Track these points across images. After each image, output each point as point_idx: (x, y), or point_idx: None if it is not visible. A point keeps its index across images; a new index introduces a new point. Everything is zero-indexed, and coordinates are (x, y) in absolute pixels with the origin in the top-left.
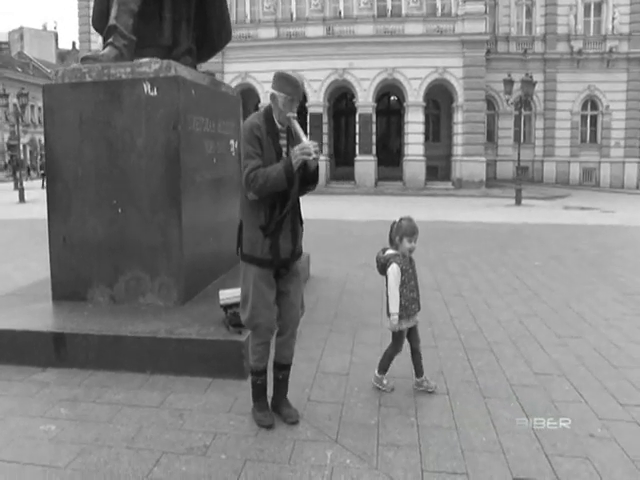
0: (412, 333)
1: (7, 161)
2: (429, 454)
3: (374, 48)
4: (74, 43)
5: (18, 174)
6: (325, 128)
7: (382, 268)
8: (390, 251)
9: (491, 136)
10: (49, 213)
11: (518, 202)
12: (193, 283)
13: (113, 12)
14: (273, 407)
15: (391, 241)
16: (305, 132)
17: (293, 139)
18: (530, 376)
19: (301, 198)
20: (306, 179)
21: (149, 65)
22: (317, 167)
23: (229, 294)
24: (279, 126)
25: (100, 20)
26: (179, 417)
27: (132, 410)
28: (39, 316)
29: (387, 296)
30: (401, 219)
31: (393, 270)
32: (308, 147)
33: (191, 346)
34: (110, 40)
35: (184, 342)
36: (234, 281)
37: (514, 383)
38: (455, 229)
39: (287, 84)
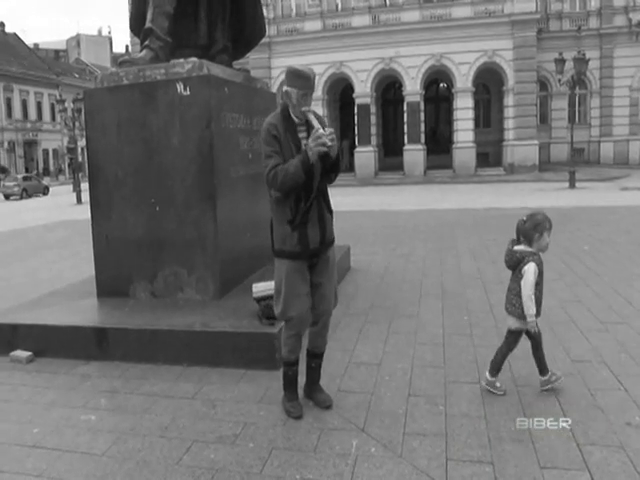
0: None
1: (67, 164)
2: (455, 443)
3: (421, 34)
4: (127, 47)
5: (76, 177)
6: (373, 119)
7: (515, 264)
8: (523, 247)
9: (544, 118)
10: (92, 213)
11: (572, 185)
12: (229, 277)
13: (149, 15)
14: (306, 394)
15: (523, 237)
16: (323, 123)
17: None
18: (567, 363)
19: (340, 190)
20: (328, 167)
21: (182, 65)
22: (338, 155)
23: (262, 287)
24: (296, 120)
25: (137, 23)
26: (212, 407)
27: (167, 401)
28: (83, 312)
29: (519, 296)
30: (534, 214)
31: (532, 270)
32: (322, 137)
33: (225, 339)
34: (146, 43)
35: (218, 335)
36: (271, 275)
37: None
38: (501, 215)
39: (298, 78)
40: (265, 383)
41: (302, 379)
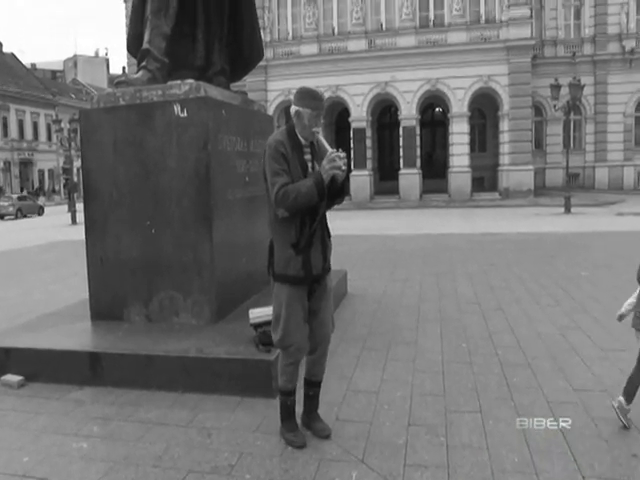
0: None
1: (62, 184)
2: (457, 475)
3: (417, 59)
4: (124, 68)
5: (72, 197)
6: (369, 142)
7: None
8: None
9: (539, 143)
10: (87, 234)
11: (567, 210)
12: (225, 302)
13: (146, 36)
14: (304, 423)
15: None
16: (332, 146)
17: (317, 153)
18: (569, 392)
19: (336, 213)
20: (333, 193)
21: (179, 87)
22: (344, 180)
23: (259, 313)
24: (303, 141)
25: (134, 44)
26: (207, 436)
27: (161, 429)
28: (77, 336)
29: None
30: None
31: None
32: (337, 160)
33: (221, 365)
34: (143, 64)
35: (214, 361)
36: (267, 300)
37: (552, 400)
38: (498, 240)
39: (312, 99)
40: (262, 411)
41: (299, 408)
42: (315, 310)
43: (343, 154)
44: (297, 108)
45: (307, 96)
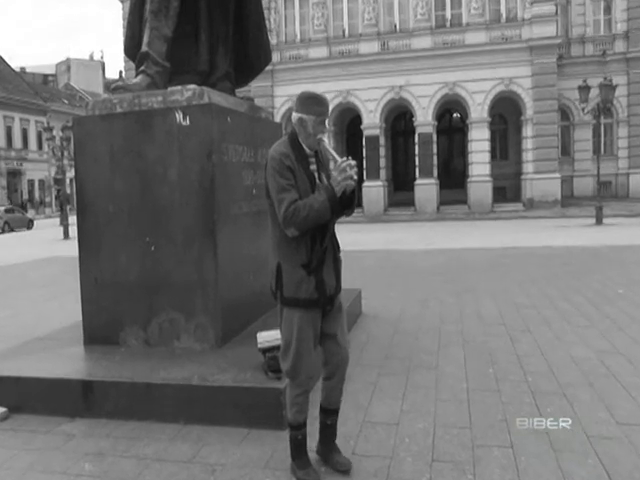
0: None
1: (54, 196)
2: None
3: (433, 62)
4: (121, 72)
5: (64, 209)
6: (382, 151)
7: None
8: None
9: (566, 150)
10: (80, 251)
11: (599, 221)
12: (232, 324)
13: (145, 38)
14: (320, 455)
15: None
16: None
17: (322, 163)
18: (612, 425)
19: (347, 227)
20: (343, 203)
21: (181, 93)
22: (354, 191)
23: (268, 336)
24: (307, 151)
25: (132, 46)
26: (211, 473)
27: (161, 465)
28: (68, 362)
29: None
30: None
31: None
32: (348, 170)
33: (226, 394)
34: (142, 68)
35: (219, 390)
36: (276, 322)
37: (592, 434)
38: (523, 255)
39: (315, 104)
40: (271, 444)
41: (312, 441)
42: (330, 333)
43: (353, 162)
44: (299, 115)
45: (310, 101)
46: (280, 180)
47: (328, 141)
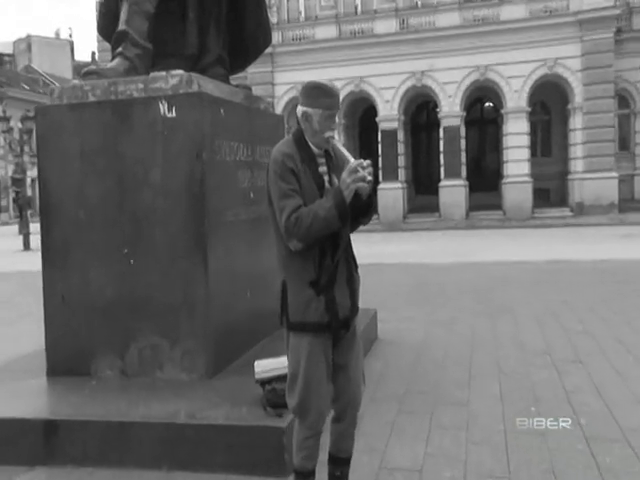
0: None
1: (12, 199)
2: None
3: (461, 42)
4: (93, 54)
5: (24, 215)
6: (401, 148)
7: None
8: None
9: (625, 144)
10: (44, 266)
11: None
12: (225, 350)
13: (123, 14)
14: None
15: None
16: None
17: (335, 165)
18: None
19: (361, 236)
20: (358, 210)
21: (166, 80)
22: (370, 195)
23: (268, 365)
24: (315, 150)
25: (107, 24)
26: None
27: None
28: (27, 398)
29: None
30: None
31: None
32: (360, 171)
33: (218, 434)
34: (119, 49)
35: (209, 429)
36: (278, 347)
37: None
38: (571, 270)
39: (322, 96)
40: None
41: None
42: (342, 365)
43: (367, 162)
44: (304, 109)
45: (316, 92)
46: (282, 185)
47: (338, 138)
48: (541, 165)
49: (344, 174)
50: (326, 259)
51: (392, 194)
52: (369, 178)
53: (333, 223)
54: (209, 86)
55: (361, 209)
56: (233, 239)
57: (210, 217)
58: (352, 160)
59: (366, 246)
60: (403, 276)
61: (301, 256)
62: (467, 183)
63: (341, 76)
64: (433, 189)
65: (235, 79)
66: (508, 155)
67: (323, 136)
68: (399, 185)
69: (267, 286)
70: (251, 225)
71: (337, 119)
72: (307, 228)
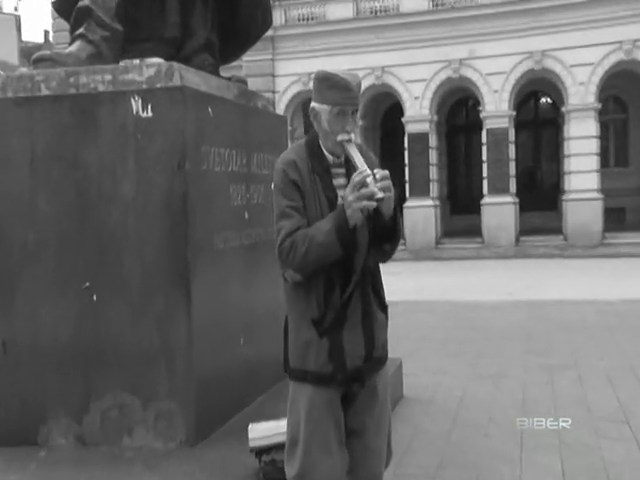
0: None
1: None
2: None
3: (510, 22)
4: (47, 34)
5: None
6: (433, 156)
7: None
8: None
9: None
10: None
11: None
12: (211, 411)
13: None
14: None
15: None
16: (371, 161)
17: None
18: None
19: (392, 269)
20: (379, 234)
21: (139, 70)
22: (396, 214)
23: (264, 430)
24: (330, 158)
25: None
26: None
27: None
28: None
29: None
30: None
31: None
32: (367, 184)
33: None
34: (81, 31)
35: None
36: (278, 407)
37: None
38: None
39: (331, 88)
40: None
41: None
42: (358, 430)
43: (382, 173)
44: (312, 104)
45: (324, 85)
46: (280, 201)
47: (358, 142)
48: (614, 177)
49: (347, 189)
50: (333, 293)
51: (422, 214)
52: (380, 195)
53: (332, 251)
54: (194, 79)
55: (383, 232)
56: (223, 270)
57: (195, 243)
58: (364, 169)
59: (388, 278)
60: (435, 317)
61: (305, 287)
62: (517, 200)
63: (359, 66)
64: (474, 208)
65: (227, 70)
66: (571, 165)
67: (335, 139)
68: (431, 202)
69: (266, 330)
70: (246, 253)
71: (356, 119)
72: (302, 255)
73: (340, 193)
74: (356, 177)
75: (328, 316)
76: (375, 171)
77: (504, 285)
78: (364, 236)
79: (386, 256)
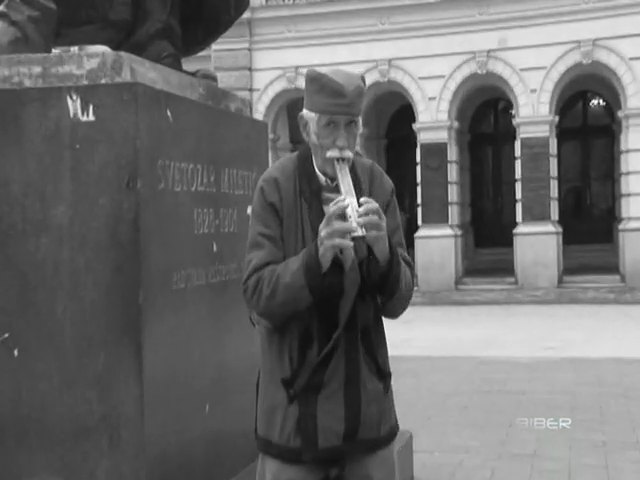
0: None
1: None
2: None
3: (550, 4)
4: None
5: None
6: (453, 172)
7: None
8: None
9: None
10: None
11: None
12: None
13: None
14: None
15: None
16: (358, 185)
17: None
18: None
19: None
20: (372, 282)
21: (78, 61)
22: (392, 257)
23: None
24: (323, 179)
25: None
26: None
27: None
28: None
29: None
30: None
31: None
32: (345, 218)
33: None
34: (1, 9)
35: None
36: None
37: None
38: None
39: (319, 92)
40: None
41: None
42: None
43: (368, 205)
44: (302, 111)
45: (314, 86)
46: (254, 227)
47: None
48: None
49: (322, 224)
50: (311, 349)
51: (438, 246)
52: (358, 232)
53: (299, 296)
54: (149, 73)
55: (376, 280)
56: (185, 317)
57: (148, 282)
58: (347, 199)
59: (395, 328)
60: (455, 378)
61: (279, 338)
62: (560, 230)
63: (358, 58)
64: (504, 239)
65: (192, 62)
66: (629, 185)
67: (324, 155)
68: (450, 232)
69: (239, 394)
70: (214, 295)
71: (355, 131)
72: (267, 298)
73: None
74: (332, 207)
75: (301, 377)
76: (361, 200)
77: (543, 338)
78: (353, 282)
79: (386, 310)
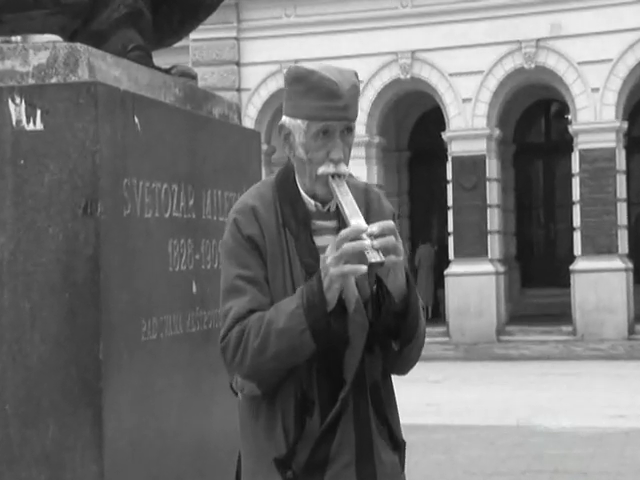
0: None
1: None
2: None
3: None
4: None
5: None
6: (493, 193)
7: None
8: None
9: None
10: None
11: None
12: None
13: None
14: None
15: None
16: (372, 206)
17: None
18: None
19: (420, 371)
20: (384, 325)
21: (23, 55)
22: (410, 291)
23: None
24: (312, 204)
25: None
26: None
27: None
28: None
29: None
30: None
31: None
32: (360, 243)
33: None
34: None
35: None
36: None
37: None
38: None
39: (308, 93)
40: None
41: None
42: None
43: (383, 224)
44: (283, 119)
45: (300, 87)
46: (229, 270)
47: (364, 168)
48: None
49: (328, 250)
50: (311, 417)
51: (475, 286)
52: (376, 259)
53: (298, 344)
54: (112, 70)
55: (390, 323)
56: (157, 376)
57: (110, 333)
58: (353, 222)
59: (419, 389)
60: (497, 454)
61: (267, 407)
62: (631, 265)
63: (373, 50)
64: (559, 277)
65: (166, 56)
66: None
67: (315, 172)
68: (490, 268)
69: (223, 473)
70: (194, 346)
71: (350, 141)
72: (256, 352)
73: (322, 257)
74: (344, 232)
75: (300, 453)
76: (374, 226)
77: (610, 403)
78: (361, 325)
79: (400, 361)
